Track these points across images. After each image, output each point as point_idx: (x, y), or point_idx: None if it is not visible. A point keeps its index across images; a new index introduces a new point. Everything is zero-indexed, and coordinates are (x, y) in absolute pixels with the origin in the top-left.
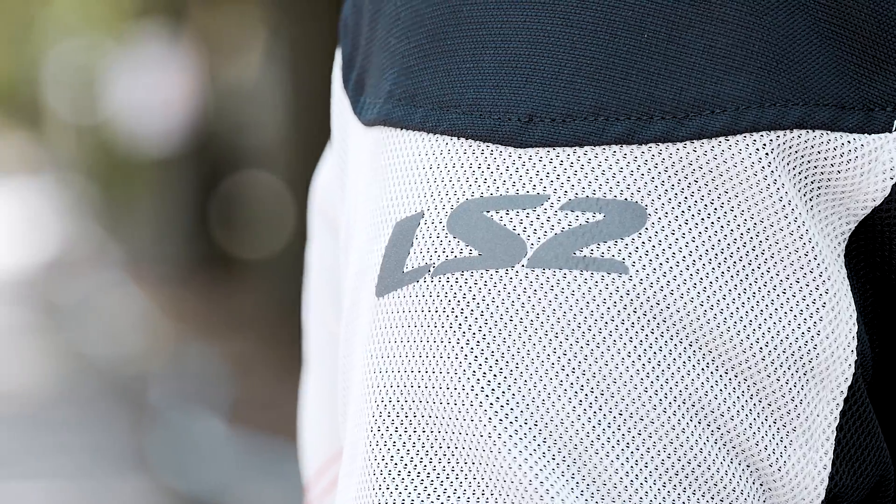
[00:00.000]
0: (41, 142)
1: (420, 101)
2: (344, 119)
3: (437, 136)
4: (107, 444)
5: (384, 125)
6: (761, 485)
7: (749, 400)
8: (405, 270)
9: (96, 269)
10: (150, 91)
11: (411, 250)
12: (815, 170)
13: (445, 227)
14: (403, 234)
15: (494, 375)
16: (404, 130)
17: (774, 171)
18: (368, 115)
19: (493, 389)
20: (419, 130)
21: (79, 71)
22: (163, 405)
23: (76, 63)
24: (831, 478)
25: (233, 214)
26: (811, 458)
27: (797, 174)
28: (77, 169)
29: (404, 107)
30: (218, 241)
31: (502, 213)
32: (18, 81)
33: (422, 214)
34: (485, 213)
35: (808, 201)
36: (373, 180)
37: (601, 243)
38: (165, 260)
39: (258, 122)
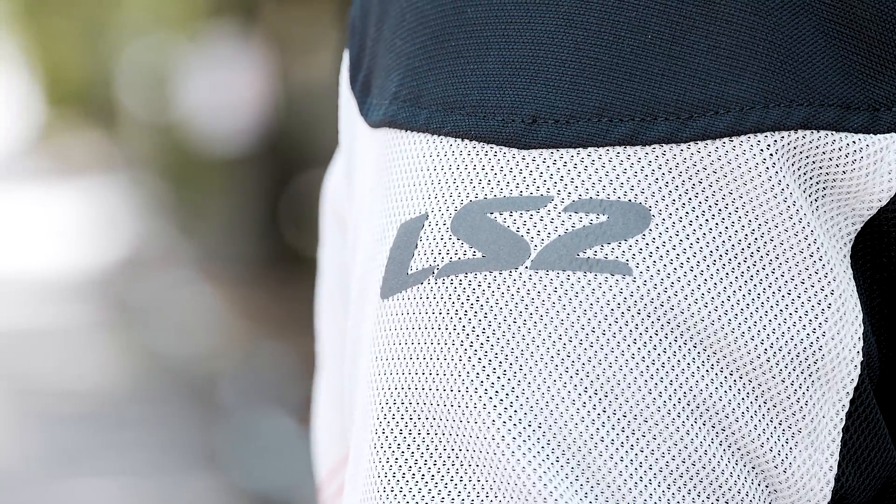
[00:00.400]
0: (115, 140)
1: (424, 103)
2: (351, 120)
3: (441, 137)
4: (178, 442)
5: (389, 127)
6: (767, 486)
7: (754, 401)
8: (409, 272)
9: (168, 268)
10: (222, 90)
11: (415, 252)
12: (821, 170)
13: (449, 229)
14: (408, 235)
15: (498, 377)
16: (409, 132)
17: (779, 171)
18: (374, 117)
19: (496, 391)
20: (423, 132)
21: (151, 70)
22: (234, 404)
23: (149, 62)
24: (837, 479)
25: (304, 213)
26: (817, 460)
27: (802, 175)
28: (150, 167)
29: (409, 108)
30: (289, 239)
31: (506, 214)
32: (92, 80)
33: (426, 216)
34: (488, 214)
35: (814, 202)
36: (378, 182)
37: (605, 244)
38: (237, 259)
39: (330, 120)
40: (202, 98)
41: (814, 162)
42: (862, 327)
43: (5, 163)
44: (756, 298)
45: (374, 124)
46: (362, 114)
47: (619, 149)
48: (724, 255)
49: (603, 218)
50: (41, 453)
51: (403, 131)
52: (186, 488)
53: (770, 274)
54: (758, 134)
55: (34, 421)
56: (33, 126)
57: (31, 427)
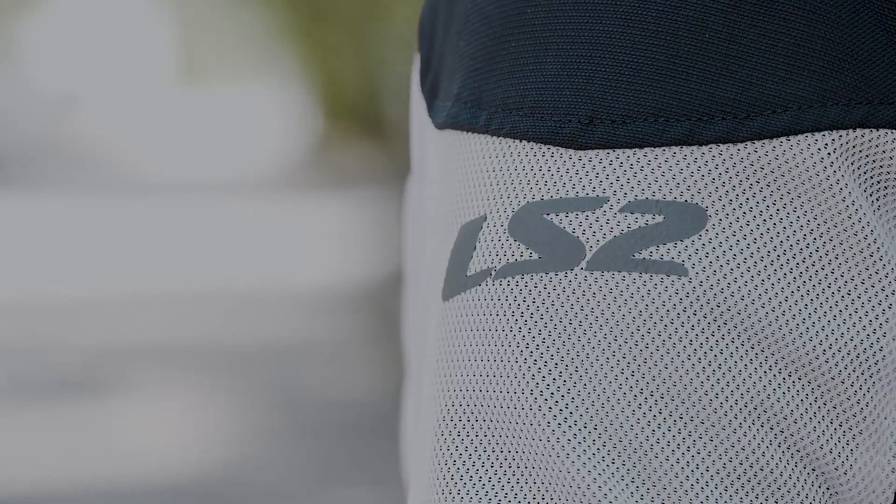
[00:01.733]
0: (385, 152)
1: (485, 104)
2: (421, 123)
3: (500, 138)
4: None
5: (452, 128)
6: (827, 488)
7: (813, 402)
8: (468, 274)
9: None
10: None
11: (474, 253)
12: (881, 169)
13: (507, 230)
14: (467, 237)
15: (554, 379)
16: (470, 133)
17: (837, 170)
18: (439, 119)
19: (552, 393)
20: (484, 133)
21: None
22: None
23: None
24: None
25: None
26: (878, 462)
27: (862, 174)
28: None
29: (470, 109)
30: None
31: (562, 215)
32: (364, 93)
33: (484, 217)
34: (545, 215)
35: (875, 201)
36: (443, 184)
37: (661, 245)
38: None
39: None
40: None
41: (873, 161)
42: None
43: (286, 174)
44: (814, 299)
45: (439, 126)
46: (430, 116)
47: (675, 149)
48: (781, 255)
49: (659, 218)
50: (312, 463)
51: (465, 132)
52: None
53: (829, 274)
54: (815, 133)
55: (304, 432)
56: (311, 138)
57: (302, 438)
